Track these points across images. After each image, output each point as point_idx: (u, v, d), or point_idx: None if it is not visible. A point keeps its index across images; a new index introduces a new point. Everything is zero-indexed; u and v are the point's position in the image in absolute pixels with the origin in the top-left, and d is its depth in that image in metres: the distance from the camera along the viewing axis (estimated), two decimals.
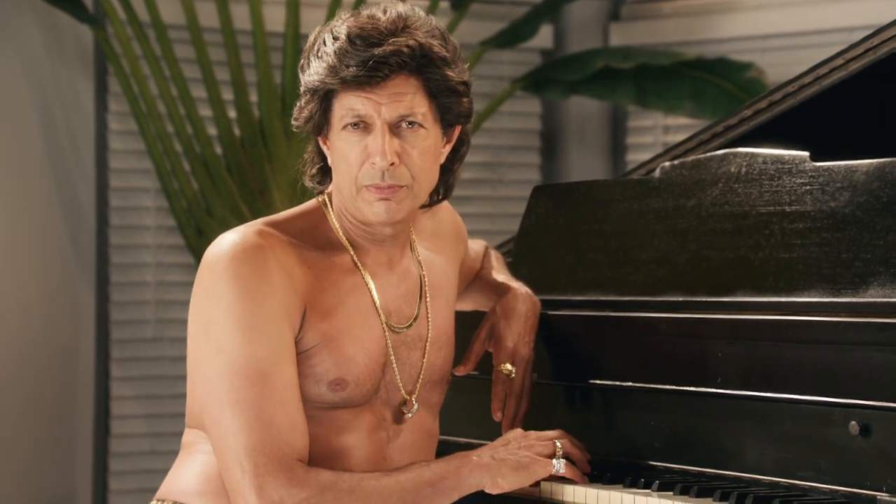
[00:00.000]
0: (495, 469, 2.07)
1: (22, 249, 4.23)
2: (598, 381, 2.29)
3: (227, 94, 4.15)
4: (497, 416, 2.28)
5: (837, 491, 1.93)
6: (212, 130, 4.17)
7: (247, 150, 4.13)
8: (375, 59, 1.98)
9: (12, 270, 4.20)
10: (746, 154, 2.36)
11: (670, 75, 4.24)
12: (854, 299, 2.05)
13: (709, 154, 2.48)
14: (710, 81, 4.22)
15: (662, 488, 2.06)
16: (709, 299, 2.24)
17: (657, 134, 4.79)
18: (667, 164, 2.51)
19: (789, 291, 2.16)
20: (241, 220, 4.04)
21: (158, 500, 2.09)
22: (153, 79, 4.07)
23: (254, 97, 4.19)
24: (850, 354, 1.95)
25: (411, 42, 2.01)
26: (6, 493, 4.13)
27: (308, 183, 2.15)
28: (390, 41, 2.00)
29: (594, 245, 2.52)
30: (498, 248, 2.80)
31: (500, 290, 2.36)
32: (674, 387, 2.17)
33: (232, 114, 4.19)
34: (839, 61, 2.41)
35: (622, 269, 2.45)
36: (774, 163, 2.29)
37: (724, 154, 2.41)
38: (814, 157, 2.24)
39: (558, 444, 2.13)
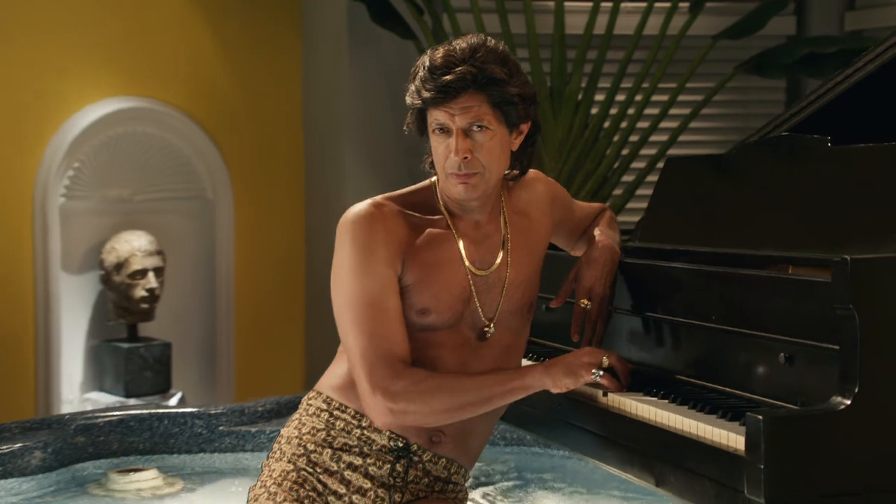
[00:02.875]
0: (554, 374, 2.14)
1: None
2: (648, 314, 2.31)
3: None
4: (575, 339, 2.33)
5: (774, 403, 1.95)
6: None
7: None
8: (446, 84, 2.10)
9: None
10: (789, 137, 2.37)
11: None
12: (819, 255, 2.05)
13: (767, 136, 2.49)
14: None
15: (663, 397, 2.12)
16: (715, 250, 2.28)
17: None
18: (750, 142, 2.52)
19: (790, 248, 2.16)
20: None
21: (315, 390, 2.27)
22: None
23: None
24: (784, 302, 1.95)
25: (473, 69, 2.10)
26: None
27: (427, 169, 2.27)
28: (458, 69, 2.10)
29: (691, 206, 2.53)
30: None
31: (590, 242, 2.41)
32: (687, 320, 2.18)
33: None
34: (860, 63, 2.36)
35: (701, 227, 2.46)
36: (805, 144, 2.28)
37: (779, 136, 2.41)
38: (833, 142, 2.23)
39: (605, 359, 2.17)
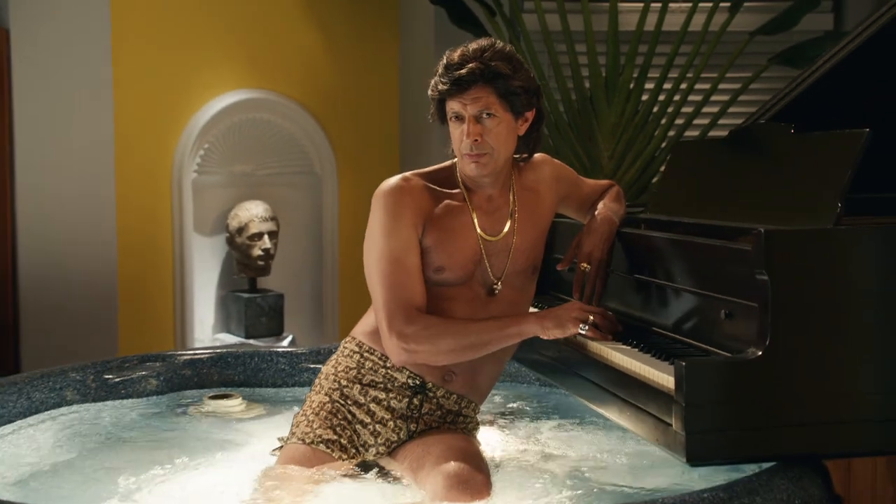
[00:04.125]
0: (545, 324, 2.21)
1: None
2: (636, 276, 2.37)
3: (567, 73, 4.38)
4: (575, 297, 2.38)
5: (718, 352, 2.02)
6: (557, 97, 4.39)
7: (581, 111, 4.29)
8: (458, 77, 2.20)
9: None
10: (763, 124, 2.40)
11: None
12: (756, 225, 2.07)
13: (747, 124, 2.52)
14: None
15: (632, 345, 2.17)
16: (679, 220, 2.31)
17: None
18: (741, 128, 2.53)
19: (756, 221, 2.18)
20: (578, 159, 4.31)
21: (350, 336, 2.38)
22: None
23: (585, 73, 4.41)
24: (723, 266, 2.01)
25: (480, 66, 2.18)
26: None
27: (449, 153, 2.34)
28: (467, 66, 2.19)
29: (689, 184, 2.57)
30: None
31: (592, 213, 2.46)
32: (660, 281, 2.26)
33: (570, 85, 4.40)
34: (827, 55, 2.37)
35: (694, 201, 2.49)
36: (772, 130, 2.32)
37: (754, 124, 2.44)
38: (795, 129, 2.25)
39: (590, 317, 2.21)
